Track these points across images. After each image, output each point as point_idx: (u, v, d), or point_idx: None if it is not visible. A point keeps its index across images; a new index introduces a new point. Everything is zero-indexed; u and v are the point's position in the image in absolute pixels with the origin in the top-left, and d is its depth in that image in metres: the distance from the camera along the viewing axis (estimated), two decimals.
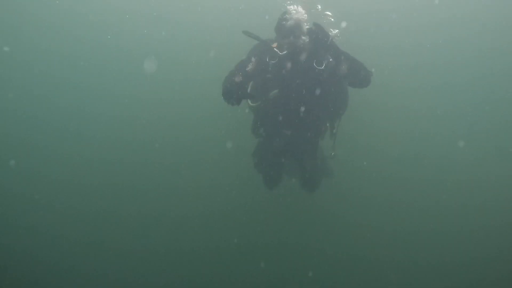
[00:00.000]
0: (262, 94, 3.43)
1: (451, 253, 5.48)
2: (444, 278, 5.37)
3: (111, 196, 5.70)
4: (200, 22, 6.36)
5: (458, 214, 5.74)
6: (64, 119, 6.25)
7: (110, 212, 5.60)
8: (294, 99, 3.35)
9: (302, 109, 3.36)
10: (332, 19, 3.02)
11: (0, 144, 6.07)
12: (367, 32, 5.91)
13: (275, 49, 3.22)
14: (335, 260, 5.29)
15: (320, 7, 2.88)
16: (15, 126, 6.28)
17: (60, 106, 6.40)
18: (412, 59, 6.34)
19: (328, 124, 3.69)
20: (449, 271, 5.37)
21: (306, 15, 3.15)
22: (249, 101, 3.48)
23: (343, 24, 3.75)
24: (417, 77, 6.33)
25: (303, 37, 3.10)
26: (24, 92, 6.43)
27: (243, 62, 3.37)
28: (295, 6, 3.21)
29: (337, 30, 3.63)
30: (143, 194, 5.74)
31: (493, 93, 6.41)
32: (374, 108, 5.77)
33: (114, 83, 6.44)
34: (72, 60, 6.50)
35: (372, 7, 6.15)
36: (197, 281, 5.15)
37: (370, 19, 6.09)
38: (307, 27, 3.11)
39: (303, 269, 5.13)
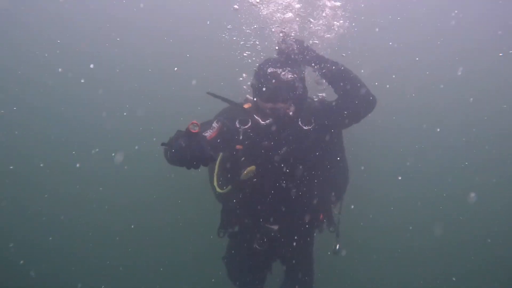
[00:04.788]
0: (231, 175, 2.51)
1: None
2: None
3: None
4: None
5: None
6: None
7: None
8: (278, 179, 2.42)
9: (292, 191, 2.43)
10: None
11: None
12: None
13: (255, 116, 2.34)
14: None
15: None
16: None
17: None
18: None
19: (327, 208, 2.68)
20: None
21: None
22: (216, 187, 2.54)
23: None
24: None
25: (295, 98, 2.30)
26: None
27: (202, 125, 2.23)
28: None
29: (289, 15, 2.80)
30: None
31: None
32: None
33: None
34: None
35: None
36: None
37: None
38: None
39: None
